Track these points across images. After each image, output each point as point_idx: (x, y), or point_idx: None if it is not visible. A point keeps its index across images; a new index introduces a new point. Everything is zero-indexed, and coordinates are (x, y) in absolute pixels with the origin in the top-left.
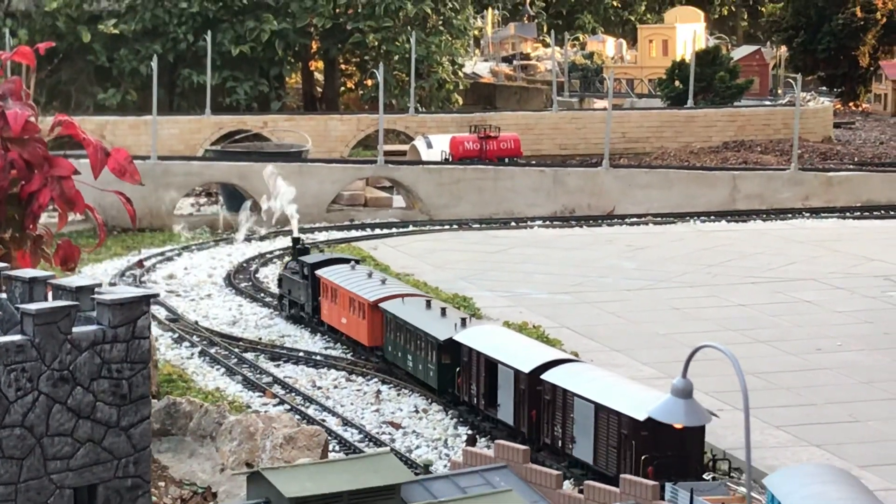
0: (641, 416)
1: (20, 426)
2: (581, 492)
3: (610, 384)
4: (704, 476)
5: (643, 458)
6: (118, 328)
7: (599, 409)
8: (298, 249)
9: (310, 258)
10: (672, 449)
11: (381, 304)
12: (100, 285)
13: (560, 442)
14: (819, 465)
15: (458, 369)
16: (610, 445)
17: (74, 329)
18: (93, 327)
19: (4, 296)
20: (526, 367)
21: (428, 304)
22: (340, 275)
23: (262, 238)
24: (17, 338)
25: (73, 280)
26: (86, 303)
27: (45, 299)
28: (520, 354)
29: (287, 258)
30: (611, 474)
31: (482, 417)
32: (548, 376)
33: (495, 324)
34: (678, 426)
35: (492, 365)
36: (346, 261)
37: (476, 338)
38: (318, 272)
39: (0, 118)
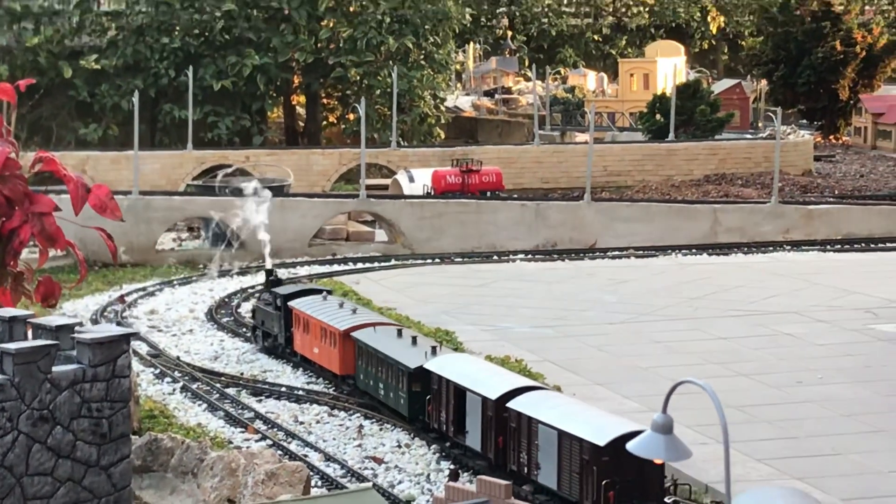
0: (602, 442)
1: (0, 466)
2: None
3: (573, 411)
4: (666, 500)
5: (604, 482)
6: (98, 367)
7: (562, 435)
8: (271, 281)
9: (282, 289)
10: (632, 474)
11: (353, 333)
12: (80, 324)
13: (526, 468)
14: (785, 489)
15: (428, 397)
16: (573, 471)
17: (54, 368)
18: (73, 366)
19: None
20: (493, 395)
21: (399, 332)
22: (312, 305)
23: (242, 272)
24: None
25: (52, 319)
26: (66, 341)
27: (25, 338)
28: (487, 382)
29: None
30: (574, 499)
31: (451, 444)
32: (513, 404)
33: (477, 357)
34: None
35: (460, 392)
36: (318, 291)
37: (445, 366)
38: (291, 303)
39: None
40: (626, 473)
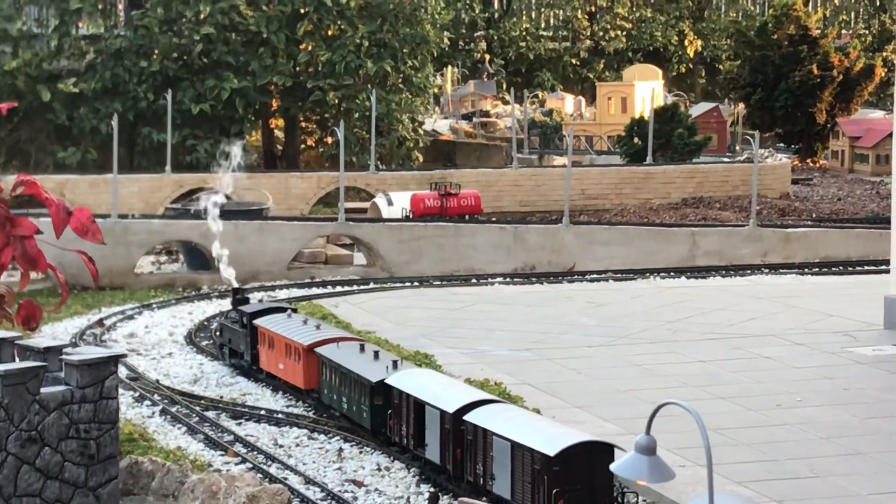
0: (552, 452)
1: None
2: None
3: (526, 423)
4: None
5: (554, 491)
6: (86, 388)
7: (515, 446)
8: (238, 299)
9: (248, 308)
10: (582, 483)
11: (317, 349)
12: (68, 346)
13: (482, 479)
14: (733, 495)
15: (389, 411)
16: (525, 481)
17: (42, 389)
18: (61, 388)
19: None
20: (450, 408)
21: (362, 347)
22: (277, 323)
23: (221, 295)
24: None
25: (40, 341)
26: (53, 363)
27: (13, 360)
28: (445, 396)
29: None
30: None
31: (412, 457)
32: (470, 417)
33: (457, 380)
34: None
35: (420, 406)
36: (283, 310)
37: (405, 380)
38: (256, 321)
39: None
40: (576, 483)
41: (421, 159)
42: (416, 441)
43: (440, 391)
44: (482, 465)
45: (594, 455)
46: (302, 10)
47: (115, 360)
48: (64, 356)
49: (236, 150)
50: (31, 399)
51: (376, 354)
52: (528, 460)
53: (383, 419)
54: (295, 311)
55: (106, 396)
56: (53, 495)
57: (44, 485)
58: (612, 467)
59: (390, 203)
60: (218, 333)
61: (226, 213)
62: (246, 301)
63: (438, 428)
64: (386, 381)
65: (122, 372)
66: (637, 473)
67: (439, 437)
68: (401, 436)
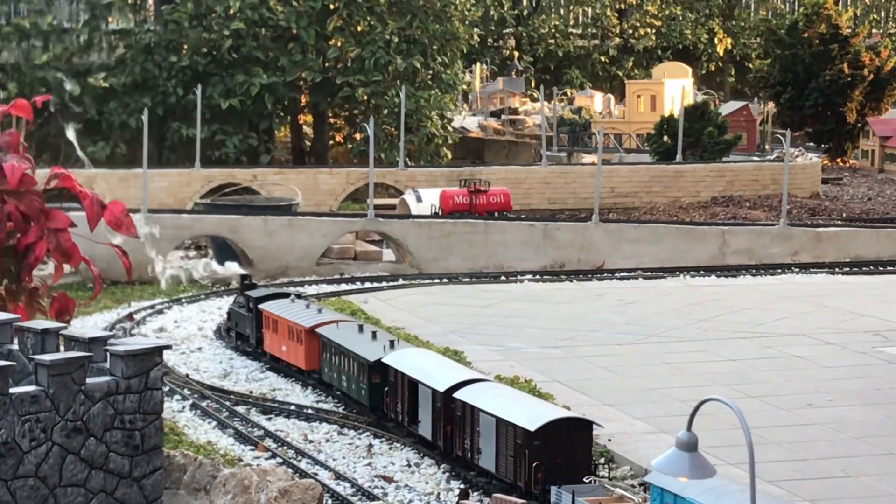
0: (533, 427)
1: (34, 476)
2: None
3: (511, 400)
4: (584, 479)
5: (535, 464)
6: (131, 379)
7: (499, 422)
8: (245, 285)
9: (254, 293)
10: (561, 456)
11: (317, 330)
12: (113, 336)
13: (469, 454)
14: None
15: (386, 389)
16: (508, 455)
17: (88, 380)
18: (106, 378)
19: (16, 347)
20: (441, 387)
21: (360, 328)
22: (281, 307)
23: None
24: (31, 388)
25: (85, 331)
26: (98, 354)
27: (57, 350)
28: (437, 375)
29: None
30: (509, 481)
31: (406, 433)
32: (459, 394)
33: (450, 360)
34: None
35: (413, 385)
36: (287, 295)
37: (401, 360)
38: (261, 306)
39: None
40: (555, 456)
41: (450, 156)
42: (410, 418)
43: (433, 370)
44: (470, 441)
45: (573, 430)
46: (332, 6)
47: (160, 350)
48: (109, 347)
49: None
50: (77, 389)
51: (374, 334)
52: (511, 435)
53: (380, 396)
54: (299, 296)
55: (151, 387)
56: (98, 485)
57: (88, 475)
58: (653, 463)
59: (419, 199)
60: (226, 318)
61: (255, 209)
62: (253, 287)
63: (430, 405)
64: (383, 360)
65: None
66: (678, 470)
67: (431, 415)
68: (396, 412)
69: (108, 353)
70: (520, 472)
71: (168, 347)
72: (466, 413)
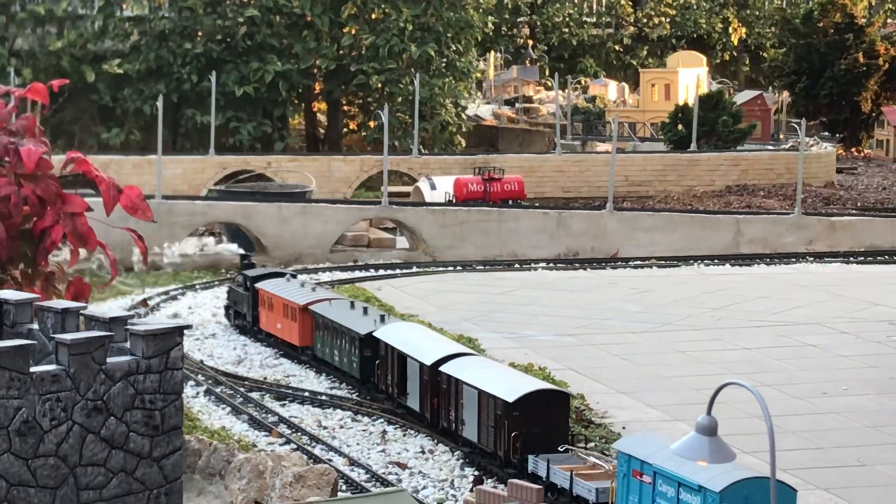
0: (511, 399)
1: (54, 455)
2: None
3: (493, 374)
4: (559, 448)
5: (514, 434)
6: (152, 359)
7: (481, 394)
8: (245, 265)
9: (251, 272)
10: (539, 426)
11: (311, 307)
12: (132, 316)
13: (454, 425)
14: (653, 433)
15: (377, 362)
16: (489, 425)
17: (108, 359)
18: (126, 358)
19: (37, 326)
20: (428, 360)
21: (352, 304)
22: (277, 286)
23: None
24: (51, 367)
25: (105, 311)
26: (119, 333)
27: (78, 330)
28: (425, 349)
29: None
30: (489, 450)
31: (396, 405)
32: (445, 368)
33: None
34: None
35: (402, 358)
36: (282, 274)
37: (391, 333)
38: (258, 285)
39: (14, 154)
40: (533, 426)
41: (463, 144)
42: (399, 390)
43: (421, 344)
44: (454, 412)
45: (551, 402)
46: None
47: (181, 330)
48: (129, 326)
49: None
50: (97, 369)
51: (365, 310)
52: (492, 406)
53: (371, 369)
54: (294, 276)
55: (171, 367)
56: (118, 465)
57: (108, 454)
58: (673, 448)
59: (433, 187)
60: (226, 296)
61: (269, 196)
62: (252, 266)
63: (418, 378)
64: (374, 333)
65: None
66: (698, 454)
67: (419, 387)
68: (386, 384)
69: (128, 333)
70: (500, 442)
71: (189, 327)
72: (451, 385)
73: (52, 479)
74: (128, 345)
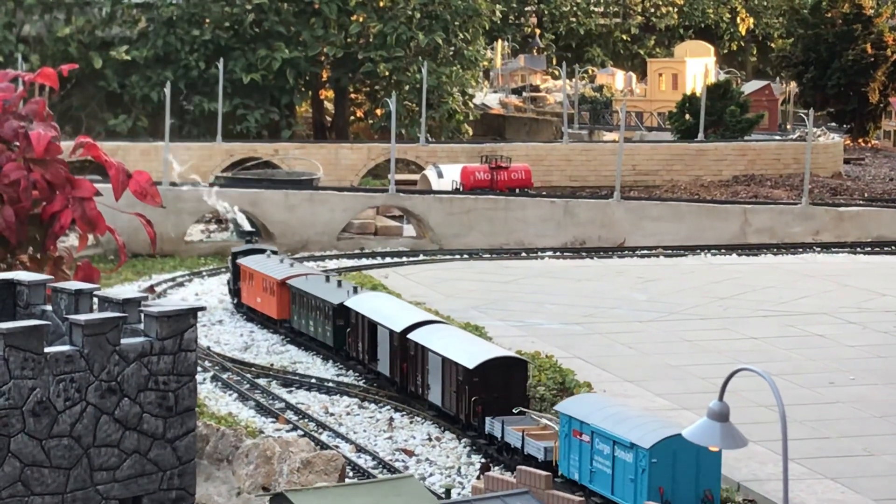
0: (472, 365)
1: (68, 436)
2: None
3: (457, 341)
4: (513, 410)
5: (474, 399)
6: (165, 340)
7: (445, 361)
8: (247, 241)
9: (235, 248)
10: (497, 391)
11: (288, 282)
12: (146, 298)
13: (421, 389)
14: (598, 395)
15: (348, 330)
16: (451, 390)
17: (122, 340)
18: (140, 339)
19: (50, 308)
20: (398, 328)
21: (327, 278)
22: (256, 262)
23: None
24: (66, 348)
25: (119, 292)
26: (132, 315)
27: (91, 311)
28: (394, 317)
29: None
30: (452, 413)
31: (367, 370)
32: (413, 335)
33: (407, 303)
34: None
35: (373, 326)
36: (263, 251)
37: (362, 303)
38: (239, 260)
39: (23, 139)
40: (492, 391)
41: (471, 132)
42: (370, 356)
43: (391, 312)
44: (421, 377)
45: (510, 369)
46: None
47: (195, 312)
48: (143, 308)
49: None
50: (111, 350)
51: (339, 283)
52: (454, 372)
53: (343, 338)
54: (275, 252)
55: (185, 349)
56: (132, 446)
57: (122, 435)
58: (684, 433)
59: (440, 175)
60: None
61: (276, 183)
62: (253, 243)
63: (388, 345)
64: (345, 303)
65: None
66: (710, 440)
67: (389, 354)
68: (357, 352)
69: (142, 315)
70: (461, 406)
71: (203, 309)
72: (418, 352)
73: (66, 460)
74: (142, 326)
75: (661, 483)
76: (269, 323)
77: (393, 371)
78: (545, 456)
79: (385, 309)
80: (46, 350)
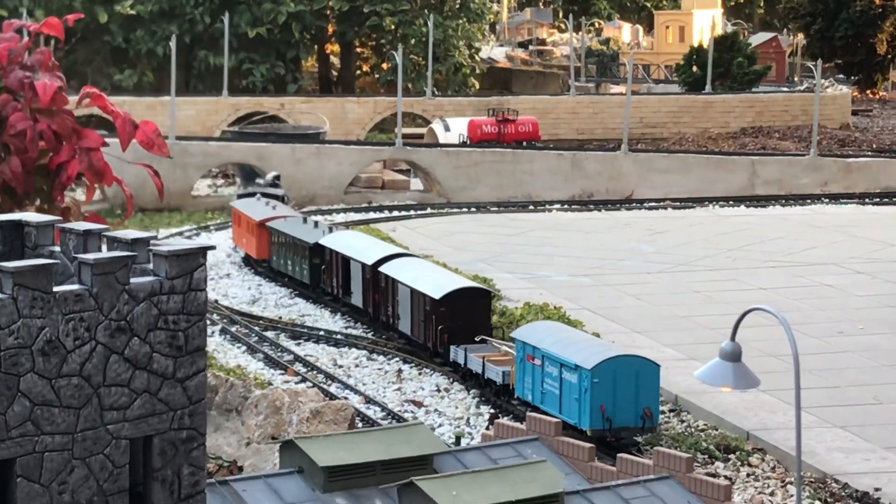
0: (438, 296)
1: (78, 375)
2: (614, 464)
3: (425, 273)
4: (475, 339)
5: (440, 328)
6: (175, 280)
7: (413, 292)
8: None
9: (239, 193)
10: (463, 320)
11: (267, 223)
12: (155, 237)
13: (391, 319)
14: (551, 322)
15: (323, 267)
16: (419, 320)
17: (132, 280)
18: (150, 278)
19: (58, 248)
20: (369, 261)
21: (304, 220)
22: (244, 205)
23: None
24: (75, 287)
25: (127, 232)
26: (141, 255)
27: (100, 251)
28: (366, 251)
29: None
30: (420, 342)
31: (342, 304)
32: (384, 268)
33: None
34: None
35: (346, 261)
36: (254, 195)
37: (336, 241)
38: (232, 203)
39: (29, 89)
40: (457, 321)
41: (477, 86)
42: (344, 290)
43: (363, 248)
44: (391, 308)
45: (475, 299)
46: None
47: (204, 251)
48: (152, 247)
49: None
50: (121, 289)
51: (315, 224)
52: (422, 303)
53: (319, 276)
54: (265, 195)
55: (194, 288)
56: (142, 386)
57: (132, 375)
58: (696, 374)
59: (447, 129)
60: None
61: (283, 137)
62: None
63: (361, 278)
64: (320, 241)
65: None
66: (721, 380)
67: (361, 287)
68: (332, 286)
69: (151, 254)
70: (429, 335)
71: (212, 248)
72: (389, 284)
73: (76, 399)
74: (151, 266)
75: (602, 401)
76: (255, 264)
77: (366, 303)
78: (503, 379)
79: (358, 245)
80: (55, 289)
